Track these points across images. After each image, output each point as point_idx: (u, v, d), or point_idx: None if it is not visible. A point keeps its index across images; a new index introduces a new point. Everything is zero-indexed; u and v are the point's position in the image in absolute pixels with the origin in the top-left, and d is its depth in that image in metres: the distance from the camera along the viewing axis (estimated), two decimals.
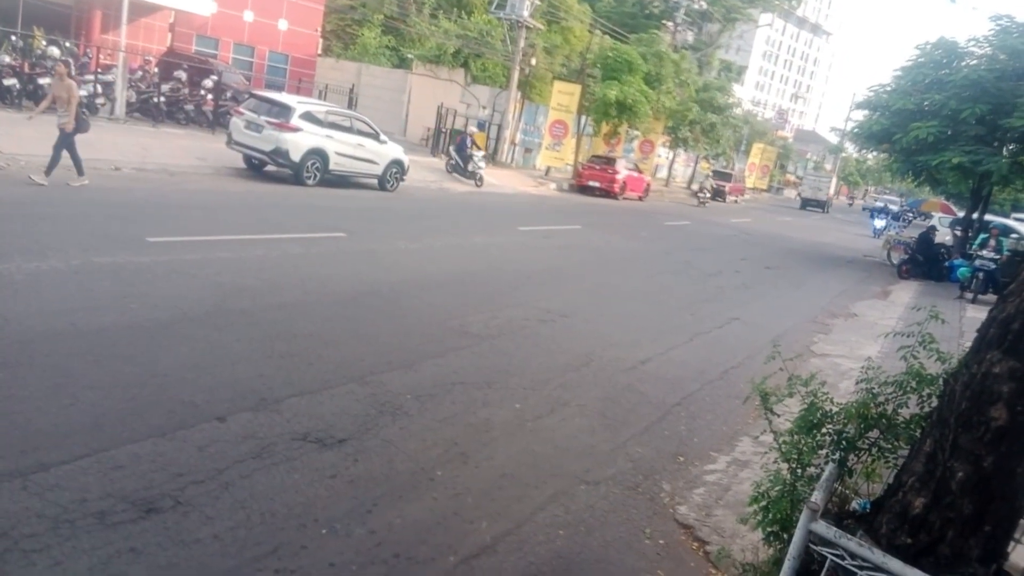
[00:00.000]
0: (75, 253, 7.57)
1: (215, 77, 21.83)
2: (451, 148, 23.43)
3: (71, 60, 18.97)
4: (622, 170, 28.82)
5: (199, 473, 3.94)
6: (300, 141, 15.19)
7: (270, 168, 15.85)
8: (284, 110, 15.30)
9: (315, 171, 15.77)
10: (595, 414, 5.91)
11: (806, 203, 48.72)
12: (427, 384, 5.78)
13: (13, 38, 18.77)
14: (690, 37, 55.07)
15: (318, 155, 15.69)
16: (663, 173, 43.35)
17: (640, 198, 30.38)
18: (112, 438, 4.13)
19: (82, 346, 5.29)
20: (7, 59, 17.56)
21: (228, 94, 22.05)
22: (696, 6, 52.21)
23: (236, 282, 7.61)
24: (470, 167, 22.24)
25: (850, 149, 63.14)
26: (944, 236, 22.11)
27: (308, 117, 15.55)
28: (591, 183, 27.93)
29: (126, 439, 4.15)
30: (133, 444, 4.11)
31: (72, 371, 4.87)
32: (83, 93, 18.27)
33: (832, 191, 51.60)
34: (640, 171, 31.69)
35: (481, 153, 23.15)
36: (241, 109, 16.07)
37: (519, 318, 8.29)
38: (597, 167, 28.53)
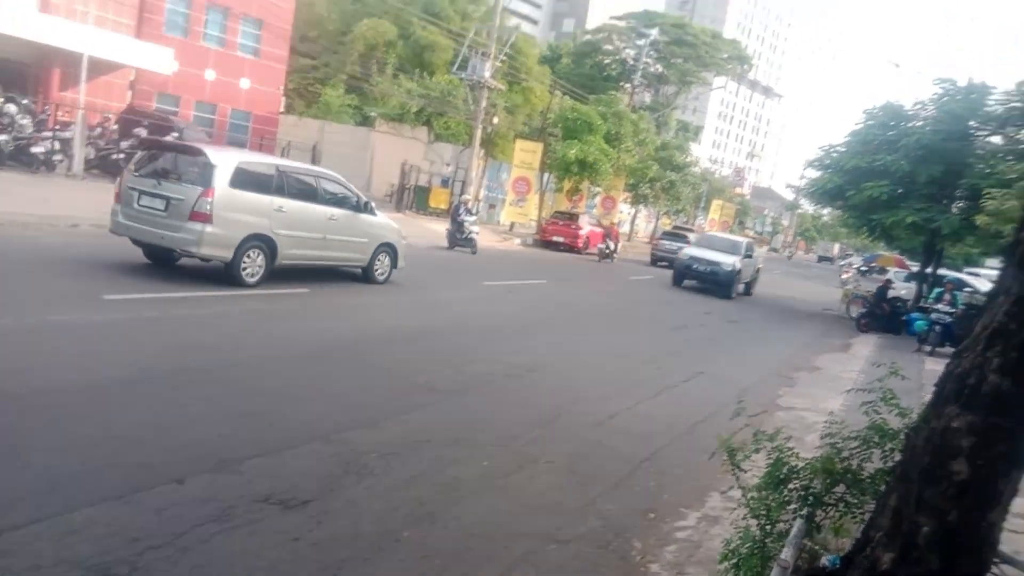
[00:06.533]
0: (30, 311, 7.38)
1: (176, 134, 21.82)
2: (450, 223, 21.32)
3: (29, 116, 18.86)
4: (585, 226, 29.27)
5: (156, 537, 3.80)
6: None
7: None
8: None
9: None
10: (564, 470, 5.86)
11: (821, 259, 75.50)
12: (393, 442, 5.69)
13: None
14: (647, 98, 56.83)
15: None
16: (625, 228, 44.04)
17: None
18: (66, 502, 3.97)
19: (36, 406, 5.12)
20: None
21: None
22: (652, 69, 53.96)
23: (195, 339, 7.47)
24: (463, 234, 20.64)
25: (805, 205, 65.21)
26: (900, 291, 22.67)
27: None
28: (555, 238, 28.31)
29: (81, 503, 3.99)
30: (88, 508, 3.96)
31: (25, 432, 4.70)
32: (40, 150, 18.21)
33: (836, 251, 72.17)
34: (603, 226, 32.17)
35: (473, 218, 21.26)
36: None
37: (486, 373, 8.25)
38: (560, 222, 28.98)
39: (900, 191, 18.75)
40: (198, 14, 28.06)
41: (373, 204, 12.59)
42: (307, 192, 11.21)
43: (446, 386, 7.46)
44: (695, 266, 21.69)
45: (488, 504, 5.00)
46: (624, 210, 43.17)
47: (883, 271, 31.19)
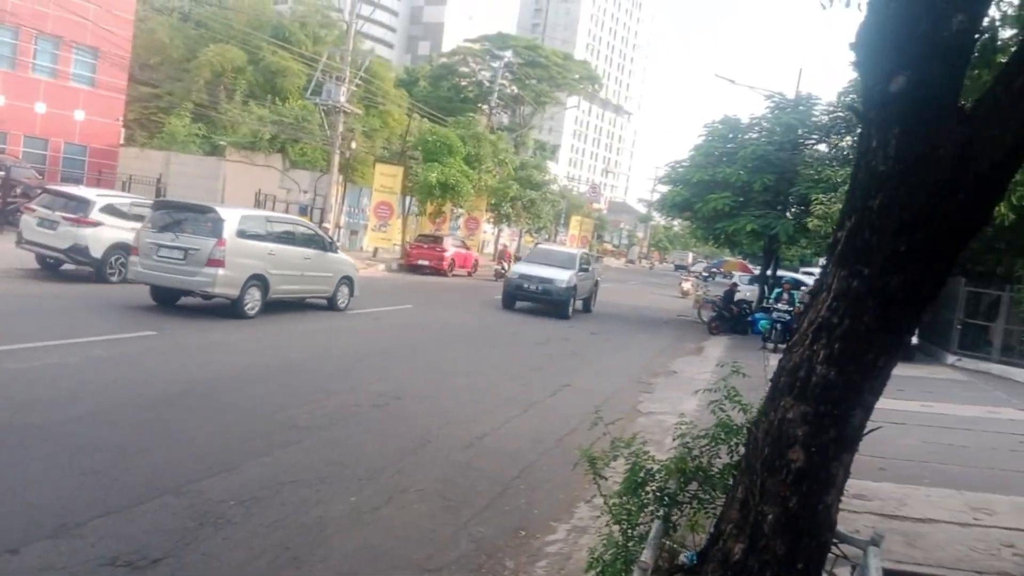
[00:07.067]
0: None
1: (2, 172, 20.18)
2: None
3: None
4: (450, 247, 29.37)
5: None
6: (100, 235, 14.06)
7: (68, 267, 14.60)
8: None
9: (118, 267, 14.26)
10: (435, 497, 5.79)
11: (678, 267, 75.28)
12: (252, 487, 5.42)
13: None
14: (505, 119, 58.07)
15: (122, 250, 13.98)
16: (490, 248, 44.52)
17: (469, 274, 30.96)
18: None
19: None
20: None
21: (18, 190, 20.43)
22: (508, 91, 55.15)
23: (28, 395, 6.85)
24: None
25: (658, 218, 68.86)
26: (746, 293, 24.15)
27: (110, 210, 14.45)
28: (420, 262, 28.20)
29: None
30: None
31: None
32: None
33: (690, 259, 76.61)
34: (468, 247, 32.41)
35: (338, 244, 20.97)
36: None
37: (350, 405, 8.05)
38: (425, 246, 28.91)
39: (741, 199, 20.09)
40: (26, 44, 26.17)
41: (337, 244, 14.80)
42: (289, 237, 13.55)
43: (308, 422, 7.21)
44: (526, 285, 19.19)
45: (357, 541, 4.86)
46: (487, 230, 43.68)
47: (729, 276, 33.18)
